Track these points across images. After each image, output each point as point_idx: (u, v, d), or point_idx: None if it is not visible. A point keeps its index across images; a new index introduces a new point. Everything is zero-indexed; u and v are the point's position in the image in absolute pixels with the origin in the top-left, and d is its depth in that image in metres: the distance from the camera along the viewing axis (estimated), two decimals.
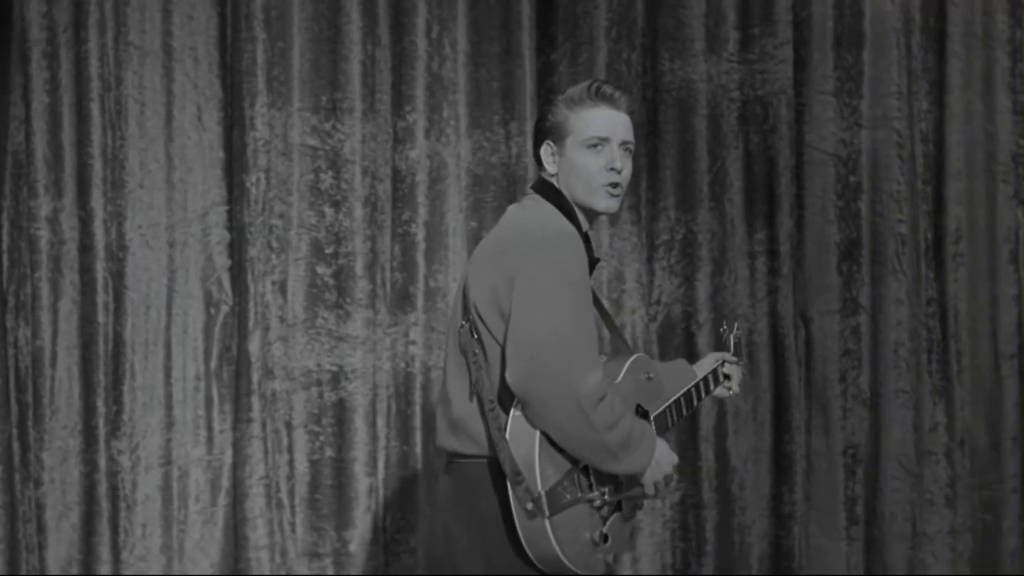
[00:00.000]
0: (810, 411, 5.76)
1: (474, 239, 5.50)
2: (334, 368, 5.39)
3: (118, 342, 5.26)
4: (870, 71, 5.75)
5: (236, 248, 5.35)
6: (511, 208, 3.80)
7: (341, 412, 5.40)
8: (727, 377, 4.17)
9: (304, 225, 5.39)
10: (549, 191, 3.75)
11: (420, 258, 5.46)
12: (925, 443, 5.79)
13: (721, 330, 4.33)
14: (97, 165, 5.24)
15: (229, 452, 5.34)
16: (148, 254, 5.31)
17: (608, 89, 3.75)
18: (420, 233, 5.47)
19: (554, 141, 3.75)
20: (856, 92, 5.76)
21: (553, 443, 3.52)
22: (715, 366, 4.13)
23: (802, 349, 5.75)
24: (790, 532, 5.70)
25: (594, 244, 3.86)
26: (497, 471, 3.55)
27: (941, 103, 5.82)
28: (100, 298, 5.25)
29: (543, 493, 3.49)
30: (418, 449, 5.43)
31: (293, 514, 5.35)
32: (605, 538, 3.62)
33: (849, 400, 5.75)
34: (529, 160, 5.47)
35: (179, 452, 5.30)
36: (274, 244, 5.35)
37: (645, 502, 3.76)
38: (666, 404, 3.84)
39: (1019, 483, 5.81)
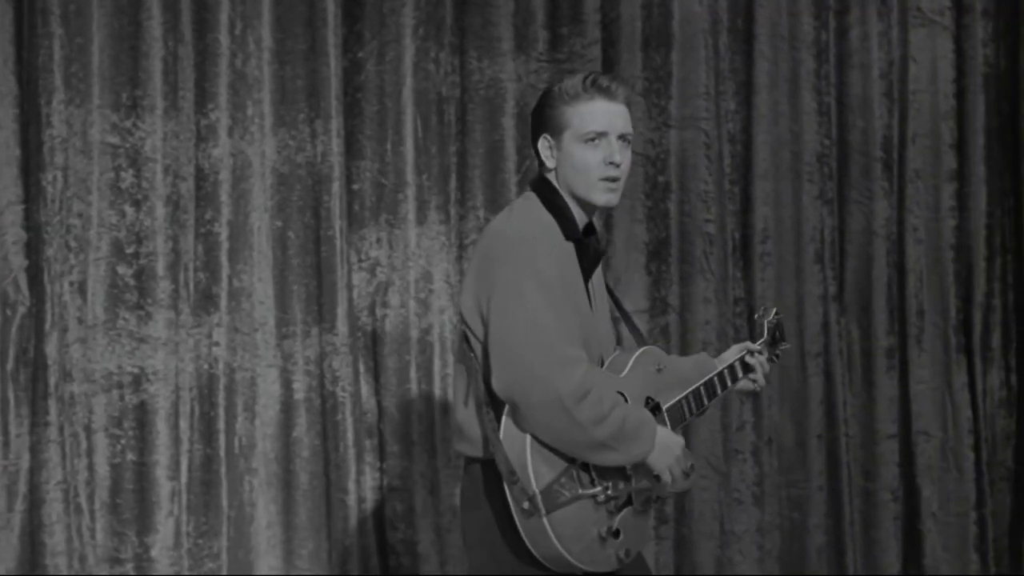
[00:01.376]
0: None
1: (279, 238, 5.44)
2: (135, 370, 5.29)
3: None
4: (678, 72, 5.78)
5: (33, 248, 5.23)
6: (503, 211, 3.85)
7: (143, 415, 5.30)
8: (750, 369, 4.13)
9: (104, 224, 5.29)
10: (545, 189, 3.80)
11: (224, 258, 5.39)
12: (732, 442, 5.83)
13: (756, 316, 4.36)
14: None
15: (26, 457, 5.21)
16: None
17: (604, 81, 3.76)
18: (224, 232, 5.39)
19: (551, 135, 3.78)
20: (664, 92, 5.78)
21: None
22: (739, 357, 4.11)
23: None
24: None
25: (592, 239, 3.90)
26: (496, 472, 3.60)
27: (748, 104, 5.86)
28: None
29: (538, 492, 3.55)
30: (222, 452, 5.35)
31: (93, 519, 5.24)
32: (616, 533, 3.65)
33: None
34: (335, 158, 5.42)
35: None
36: (72, 244, 5.24)
37: (668, 493, 3.75)
38: (680, 396, 3.85)
39: (825, 481, 5.87)
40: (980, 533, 5.92)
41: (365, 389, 5.54)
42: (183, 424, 5.34)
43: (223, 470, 5.36)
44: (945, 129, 5.93)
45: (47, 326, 5.19)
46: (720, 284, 5.81)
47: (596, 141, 3.74)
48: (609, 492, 3.65)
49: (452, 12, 5.61)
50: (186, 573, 5.31)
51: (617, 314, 4.08)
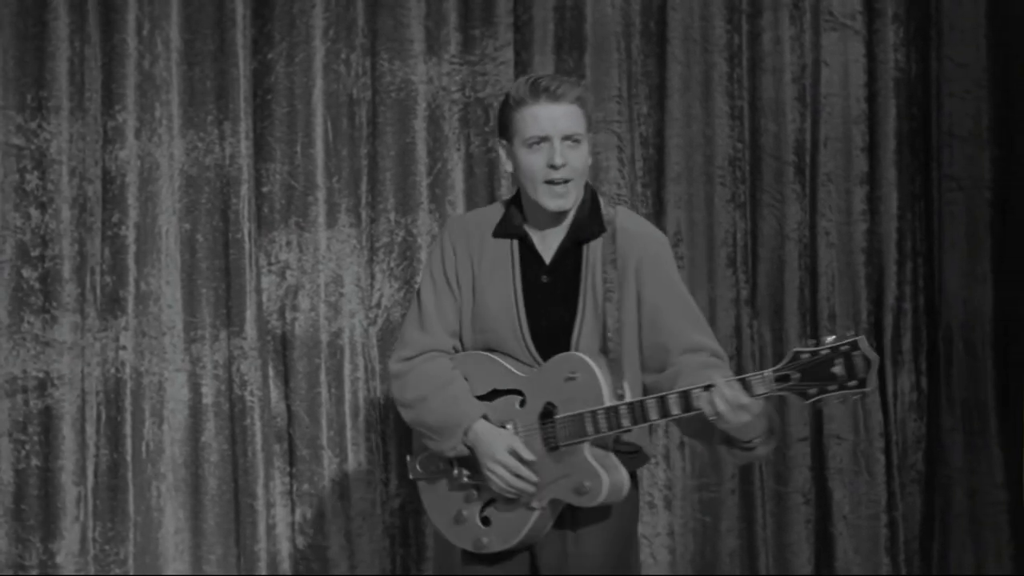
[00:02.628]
0: None
1: (188, 241, 5.40)
2: (40, 374, 5.24)
3: None
4: (591, 74, 5.76)
5: None
6: None
7: (48, 420, 5.26)
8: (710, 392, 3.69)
9: (9, 227, 5.24)
10: (517, 189, 3.98)
11: (131, 261, 5.34)
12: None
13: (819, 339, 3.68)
14: None
15: None
16: None
17: (545, 82, 3.82)
18: (131, 235, 5.35)
19: (507, 140, 3.89)
20: None
21: None
22: (694, 387, 3.72)
23: None
24: None
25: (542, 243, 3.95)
26: None
27: (661, 107, 5.86)
28: None
29: (409, 460, 3.98)
30: (128, 457, 5.30)
31: None
32: (485, 520, 3.85)
33: None
34: (244, 161, 5.39)
35: None
36: None
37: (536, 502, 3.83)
38: (587, 409, 3.78)
39: (737, 484, 5.88)
40: (891, 535, 5.94)
41: (274, 393, 5.50)
42: (89, 429, 5.30)
43: (130, 475, 5.31)
44: (857, 133, 5.95)
45: None
46: None
47: (540, 145, 3.82)
48: (464, 480, 3.85)
49: (363, 13, 5.58)
50: None
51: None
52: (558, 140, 3.81)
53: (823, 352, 3.59)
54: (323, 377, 5.51)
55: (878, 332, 5.98)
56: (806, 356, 3.61)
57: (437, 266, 3.98)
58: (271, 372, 5.49)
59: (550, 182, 3.83)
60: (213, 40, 5.41)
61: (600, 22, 5.79)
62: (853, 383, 3.57)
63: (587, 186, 3.96)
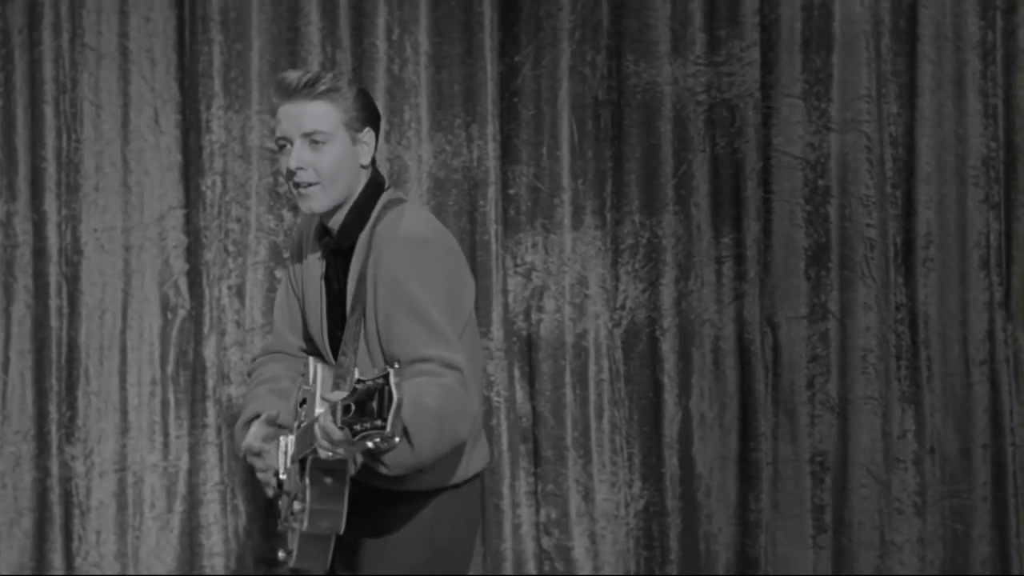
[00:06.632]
0: (777, 418, 5.70)
1: None
2: None
3: (72, 347, 5.23)
4: (839, 74, 5.69)
5: (193, 252, 5.31)
6: None
7: None
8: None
9: (263, 229, 5.35)
10: None
11: None
12: (894, 450, 5.74)
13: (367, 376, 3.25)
14: (51, 168, 5.21)
15: (185, 458, 5.30)
16: (103, 258, 5.27)
17: (284, 80, 3.64)
18: None
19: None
20: (825, 95, 5.70)
21: None
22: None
23: (769, 355, 5.70)
24: (756, 540, 5.64)
25: (328, 240, 3.82)
26: None
27: (911, 106, 5.76)
28: (53, 302, 5.21)
29: (282, 555, 3.78)
30: None
31: (249, 521, 5.31)
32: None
33: (817, 406, 5.70)
34: (491, 163, 5.43)
35: (134, 458, 5.27)
36: (231, 248, 5.31)
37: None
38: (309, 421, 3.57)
39: (990, 491, 5.76)
40: None
41: (520, 394, 5.53)
42: None
43: None
44: None
45: (206, 329, 5.27)
46: (881, 290, 5.72)
47: (286, 148, 3.63)
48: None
49: (609, 15, 5.59)
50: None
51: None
52: (299, 139, 3.59)
53: (368, 383, 3.18)
54: (568, 378, 5.53)
55: None
56: (360, 387, 3.20)
57: (286, 268, 3.88)
58: (517, 373, 5.52)
59: (295, 184, 3.62)
60: (461, 44, 5.46)
61: (849, 20, 5.71)
62: (378, 423, 3.15)
63: (370, 185, 3.72)
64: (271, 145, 5.32)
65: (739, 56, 5.64)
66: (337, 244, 3.71)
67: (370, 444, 3.16)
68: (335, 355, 3.72)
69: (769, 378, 5.70)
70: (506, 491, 5.42)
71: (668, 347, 5.59)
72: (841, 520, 5.72)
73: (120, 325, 5.27)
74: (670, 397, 5.59)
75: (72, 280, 5.23)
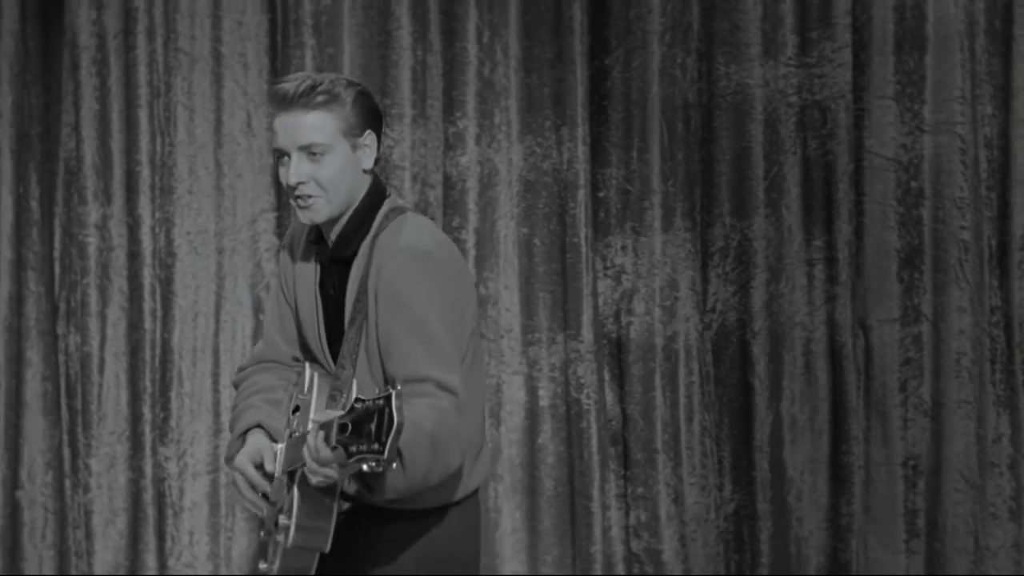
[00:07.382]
0: (869, 421, 5.66)
1: (525, 246, 5.48)
2: None
3: (166, 349, 5.29)
4: (932, 75, 5.64)
5: None
6: None
7: None
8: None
9: None
10: None
11: (471, 265, 5.43)
12: (988, 455, 5.68)
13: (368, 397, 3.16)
14: (145, 172, 5.28)
15: None
16: (196, 260, 5.33)
17: (284, 88, 3.48)
18: (471, 240, 5.45)
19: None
20: (918, 96, 5.65)
21: None
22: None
23: (861, 358, 5.66)
24: (848, 545, 5.61)
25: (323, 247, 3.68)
26: None
27: (1006, 107, 5.70)
28: (147, 305, 5.27)
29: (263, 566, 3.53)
30: None
31: None
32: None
33: (910, 410, 5.65)
34: (581, 166, 5.44)
35: None
36: None
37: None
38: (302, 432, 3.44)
39: None
40: None
41: (610, 396, 5.53)
42: None
43: None
44: None
45: None
46: (976, 293, 5.67)
47: (284, 159, 3.50)
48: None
49: (699, 17, 5.57)
50: None
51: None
52: (296, 152, 3.46)
53: (368, 404, 3.07)
54: (658, 381, 5.52)
55: None
56: (359, 406, 3.09)
57: (277, 275, 3.74)
58: (607, 375, 5.52)
59: (296, 197, 3.49)
60: (551, 47, 5.47)
61: (942, 21, 5.66)
62: (375, 447, 3.04)
63: (371, 193, 3.58)
64: None
65: (831, 58, 5.61)
66: (336, 253, 3.58)
67: (364, 467, 3.06)
68: (332, 355, 3.61)
69: (861, 381, 5.66)
70: (596, 494, 5.43)
71: (759, 350, 5.57)
72: (934, 525, 5.67)
73: (213, 327, 5.32)
74: (761, 400, 5.57)
75: (166, 283, 5.29)
